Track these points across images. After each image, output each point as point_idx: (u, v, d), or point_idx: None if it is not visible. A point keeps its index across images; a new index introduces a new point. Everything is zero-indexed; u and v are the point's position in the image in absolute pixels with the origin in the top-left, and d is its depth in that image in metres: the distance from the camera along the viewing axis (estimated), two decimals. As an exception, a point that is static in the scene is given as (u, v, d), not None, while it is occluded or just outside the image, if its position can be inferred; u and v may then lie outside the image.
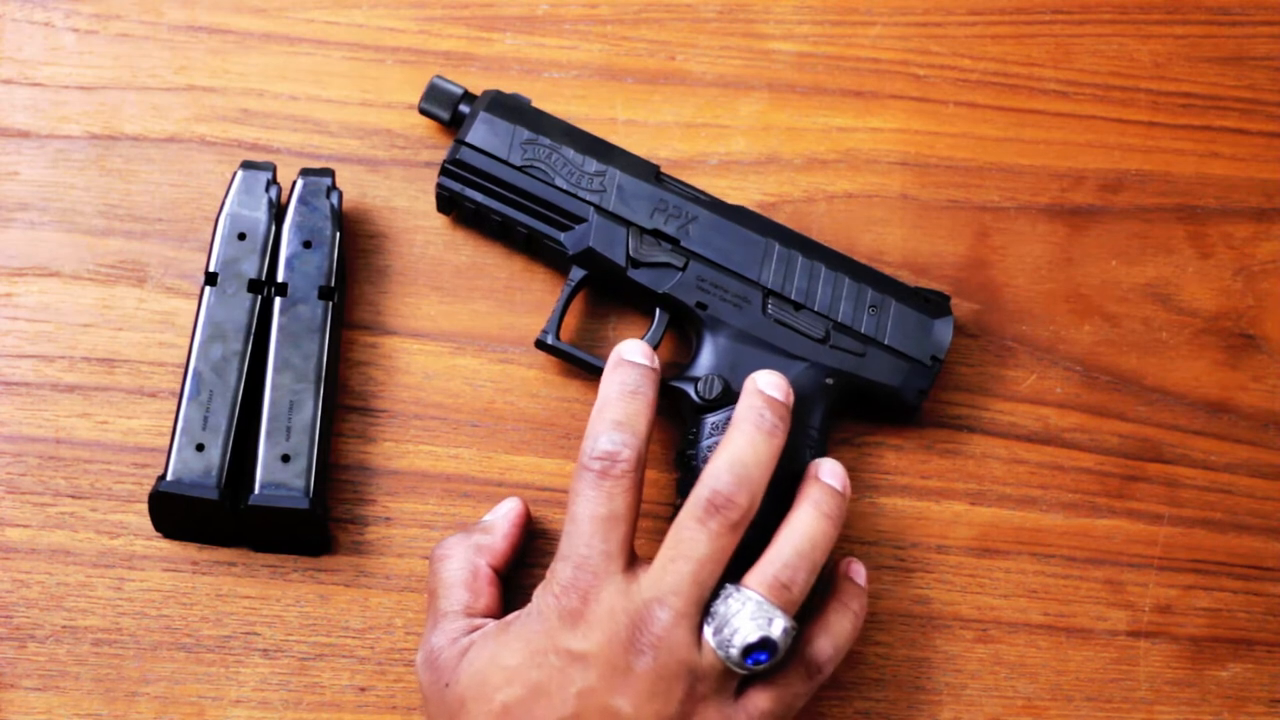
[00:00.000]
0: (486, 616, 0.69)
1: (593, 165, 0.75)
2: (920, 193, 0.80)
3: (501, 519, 0.73)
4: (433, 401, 0.76)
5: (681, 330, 0.76)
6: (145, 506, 0.74)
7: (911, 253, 0.79)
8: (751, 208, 0.78)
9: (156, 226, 0.77)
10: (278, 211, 0.75)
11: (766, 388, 0.69)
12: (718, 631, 0.65)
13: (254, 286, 0.74)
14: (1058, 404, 0.78)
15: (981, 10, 0.82)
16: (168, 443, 0.73)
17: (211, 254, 0.74)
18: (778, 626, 0.65)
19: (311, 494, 0.72)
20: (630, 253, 0.74)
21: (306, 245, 0.74)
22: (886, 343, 0.74)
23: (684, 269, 0.74)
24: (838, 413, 0.75)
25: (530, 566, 0.75)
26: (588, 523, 0.66)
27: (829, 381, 0.73)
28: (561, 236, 0.75)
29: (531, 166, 0.75)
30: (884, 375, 0.74)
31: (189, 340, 0.73)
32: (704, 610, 0.66)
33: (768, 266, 0.74)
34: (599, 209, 0.74)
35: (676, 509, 0.71)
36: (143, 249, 0.77)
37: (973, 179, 0.80)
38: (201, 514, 0.72)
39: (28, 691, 0.73)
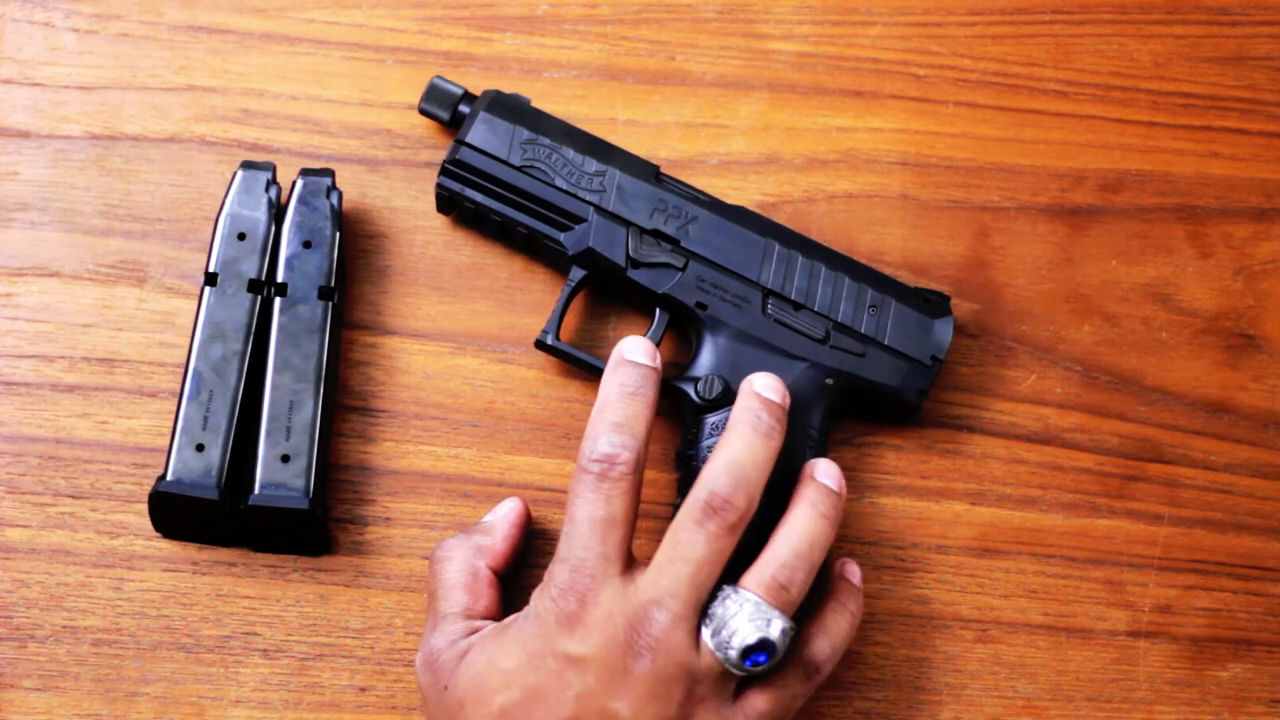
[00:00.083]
0: (486, 618, 0.69)
1: (593, 165, 0.75)
2: (920, 193, 0.80)
3: (501, 520, 0.73)
4: (433, 401, 0.76)
5: (681, 330, 0.76)
6: (145, 506, 0.74)
7: (911, 253, 0.79)
8: (751, 208, 0.78)
9: (156, 226, 0.77)
10: (278, 211, 0.75)
11: (763, 390, 0.69)
12: (716, 633, 0.65)
13: (254, 286, 0.74)
14: (1058, 404, 0.78)
15: (981, 10, 0.82)
16: (168, 443, 0.73)
17: (211, 254, 0.74)
18: (776, 627, 0.65)
19: (311, 494, 0.72)
20: (630, 253, 0.74)
21: (306, 245, 0.74)
22: (886, 343, 0.74)
23: (684, 269, 0.74)
24: (838, 413, 0.75)
25: (530, 567, 0.75)
26: (585, 525, 0.66)
27: (829, 381, 0.73)
28: (561, 236, 0.75)
29: (531, 166, 0.75)
30: (884, 375, 0.74)
31: (189, 340, 0.73)
32: (702, 612, 0.66)
33: (768, 266, 0.74)
34: (599, 209, 0.74)
35: (676, 509, 0.71)
36: (143, 249, 0.77)
37: (973, 179, 0.80)
38: (201, 514, 0.72)
39: (28, 691, 0.73)
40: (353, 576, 0.75)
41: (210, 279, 0.74)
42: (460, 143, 0.75)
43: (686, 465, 0.72)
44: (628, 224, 0.74)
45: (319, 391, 0.73)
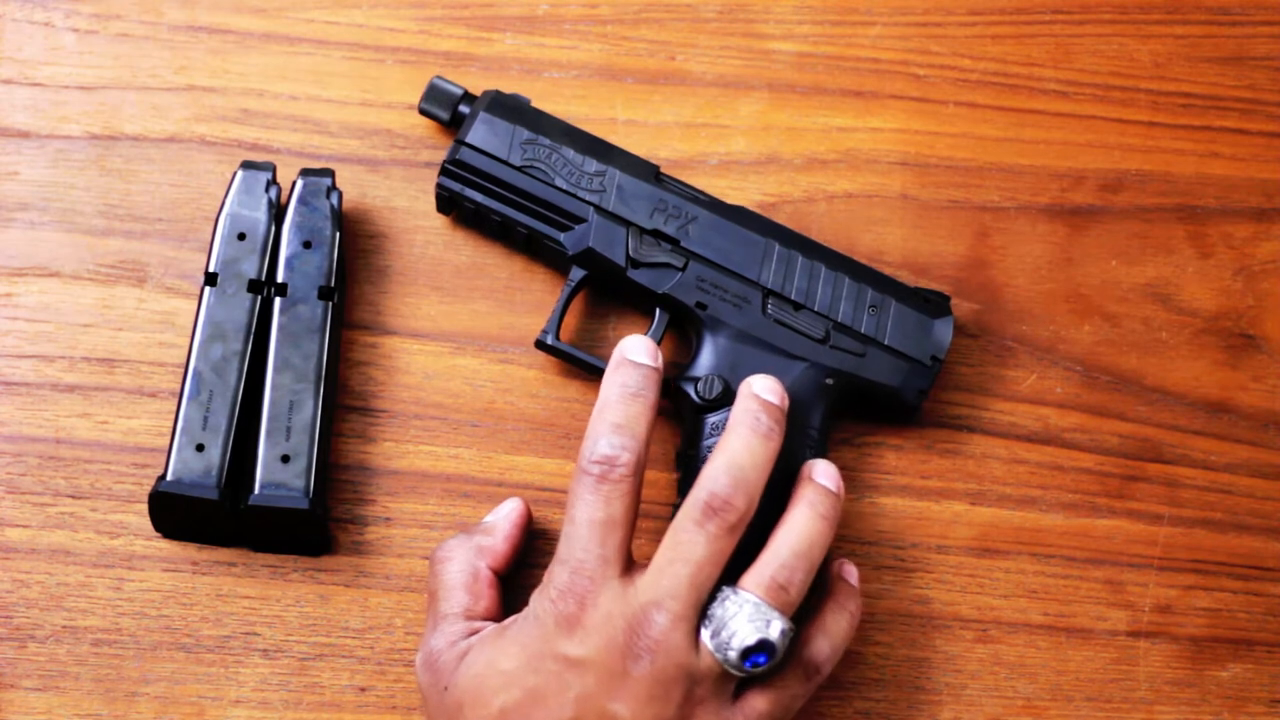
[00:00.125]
0: (486, 619, 0.69)
1: (593, 165, 0.75)
2: (920, 193, 0.80)
3: (503, 520, 0.73)
4: (433, 401, 0.76)
5: (681, 330, 0.76)
6: (145, 506, 0.74)
7: (911, 253, 0.79)
8: (751, 208, 0.78)
9: (156, 226, 0.77)
10: (278, 211, 0.75)
11: (762, 392, 0.69)
12: (715, 634, 0.65)
13: (254, 286, 0.74)
14: (1058, 404, 0.78)
15: (981, 10, 0.82)
16: (168, 443, 0.73)
17: (211, 254, 0.74)
18: (776, 628, 0.65)
19: (311, 494, 0.72)
20: (630, 253, 0.74)
21: (306, 245, 0.74)
22: (886, 343, 0.74)
23: (684, 269, 0.74)
24: (838, 413, 0.75)
25: (531, 567, 0.75)
26: (585, 526, 0.66)
27: (829, 381, 0.73)
28: (561, 236, 0.75)
29: (531, 166, 0.75)
30: (884, 375, 0.74)
31: (189, 340, 0.73)
32: (701, 613, 0.66)
33: (768, 266, 0.74)
34: (599, 209, 0.74)
35: (676, 509, 0.71)
36: (143, 249, 0.77)
37: (973, 179, 0.80)
38: (201, 514, 0.72)
39: (28, 691, 0.73)
40: (353, 576, 0.75)
41: (210, 279, 0.74)
42: (460, 143, 0.75)
43: (686, 465, 0.72)
44: (628, 224, 0.74)
45: (319, 391, 0.73)
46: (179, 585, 0.74)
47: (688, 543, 0.65)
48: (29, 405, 0.75)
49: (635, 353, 0.69)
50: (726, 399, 0.72)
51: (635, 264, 0.74)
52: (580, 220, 0.74)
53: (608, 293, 0.77)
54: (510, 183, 0.75)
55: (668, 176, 0.76)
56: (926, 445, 0.77)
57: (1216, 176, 0.81)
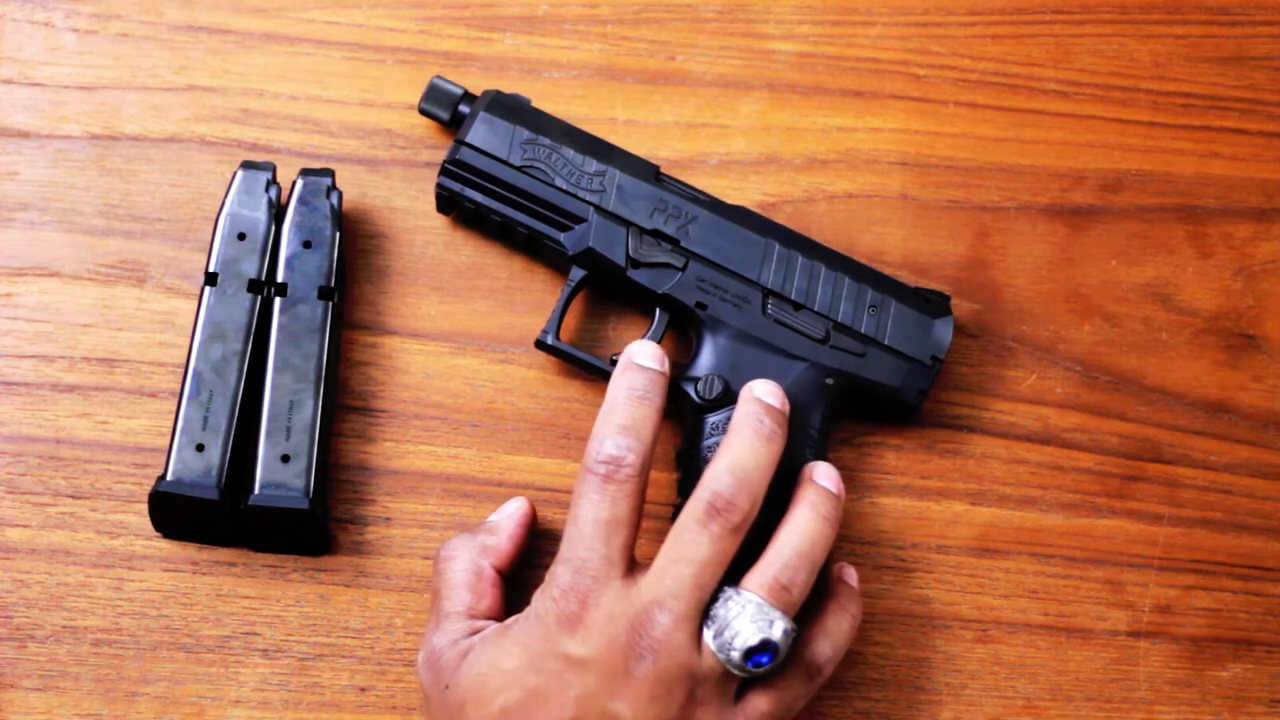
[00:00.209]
0: (489, 618, 0.69)
1: (593, 165, 0.75)
2: (920, 193, 0.80)
3: (507, 520, 0.73)
4: (433, 401, 0.76)
5: (681, 330, 0.76)
6: (145, 506, 0.74)
7: (911, 253, 0.79)
8: (751, 208, 0.78)
9: (156, 226, 0.77)
10: (278, 211, 0.75)
11: (764, 395, 0.69)
12: (718, 635, 0.65)
13: (254, 286, 0.74)
14: (1058, 404, 0.78)
15: (981, 10, 0.82)
16: (168, 443, 0.73)
17: (211, 254, 0.74)
18: (778, 628, 0.65)
19: (311, 494, 0.72)
20: (630, 253, 0.74)
21: (306, 245, 0.74)
22: (886, 343, 0.74)
23: (684, 269, 0.74)
24: (838, 413, 0.75)
25: (532, 568, 0.75)
26: (589, 526, 0.66)
27: (829, 381, 0.73)
28: (561, 236, 0.75)
29: (531, 166, 0.75)
30: (884, 375, 0.74)
31: (189, 340, 0.73)
32: (704, 613, 0.66)
33: (768, 266, 0.74)
34: (599, 209, 0.74)
35: (677, 509, 0.71)
36: (143, 249, 0.77)
37: (973, 179, 0.80)
38: (201, 514, 0.72)
39: (28, 691, 0.73)
40: (353, 576, 0.75)
41: (210, 279, 0.74)
42: (460, 143, 0.75)
43: (686, 465, 0.72)
44: (628, 224, 0.74)
45: (319, 391, 0.73)
46: (179, 585, 0.74)
47: (691, 543, 0.65)
48: (29, 405, 0.75)
49: (643, 357, 0.69)
50: (726, 399, 0.72)
51: (635, 264, 0.74)
52: (580, 220, 0.74)
53: (608, 293, 0.77)
54: (510, 183, 0.75)
55: (668, 176, 0.76)
56: (926, 445, 0.77)
57: (1216, 176, 0.81)
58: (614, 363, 0.74)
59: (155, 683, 0.73)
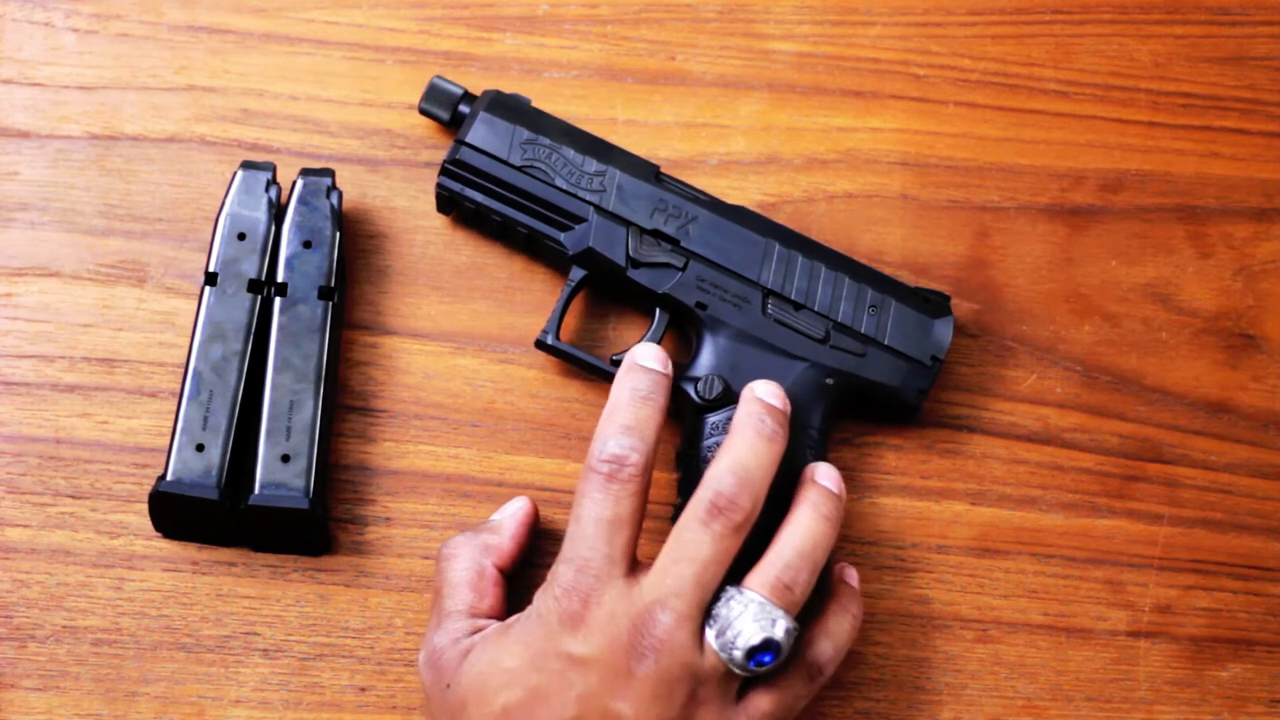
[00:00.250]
0: (490, 617, 0.69)
1: (593, 165, 0.75)
2: (920, 193, 0.80)
3: (509, 519, 0.73)
4: (433, 401, 0.76)
5: (681, 330, 0.76)
6: (145, 506, 0.74)
7: (911, 253, 0.79)
8: (751, 208, 0.78)
9: (156, 226, 0.77)
10: (278, 211, 0.75)
11: (765, 396, 0.69)
12: (720, 634, 0.65)
13: (254, 286, 0.74)
14: (1058, 404, 0.78)
15: (981, 10, 0.82)
16: (168, 443, 0.73)
17: (211, 254, 0.74)
18: (780, 628, 0.65)
19: (311, 494, 0.72)
20: (630, 253, 0.74)
21: (306, 245, 0.74)
22: (886, 343, 0.74)
23: (684, 269, 0.74)
24: (838, 413, 0.75)
25: (534, 567, 0.74)
26: (592, 525, 0.66)
27: (829, 381, 0.73)
28: (561, 236, 0.75)
29: (531, 166, 0.75)
30: (884, 375, 0.74)
31: (189, 340, 0.73)
32: (706, 613, 0.66)
33: (768, 266, 0.74)
34: (599, 209, 0.74)
35: (677, 509, 0.72)
36: (143, 249, 0.77)
37: (973, 179, 0.80)
38: (201, 514, 0.72)
39: (28, 691, 0.73)
40: (353, 576, 0.75)
41: (210, 279, 0.74)
42: (460, 143, 0.75)
43: (687, 465, 0.72)
44: (628, 224, 0.74)
45: (319, 391, 0.73)
46: (179, 585, 0.74)
47: (693, 542, 0.65)
48: (29, 405, 0.75)
49: (646, 359, 0.70)
50: (726, 399, 0.72)
51: (635, 264, 0.74)
52: (580, 220, 0.74)
53: (608, 293, 0.77)
54: (510, 182, 0.75)
55: (668, 176, 0.76)
56: (926, 445, 0.77)
57: (1216, 176, 0.81)
58: (614, 363, 0.74)
59: (155, 683, 0.73)
